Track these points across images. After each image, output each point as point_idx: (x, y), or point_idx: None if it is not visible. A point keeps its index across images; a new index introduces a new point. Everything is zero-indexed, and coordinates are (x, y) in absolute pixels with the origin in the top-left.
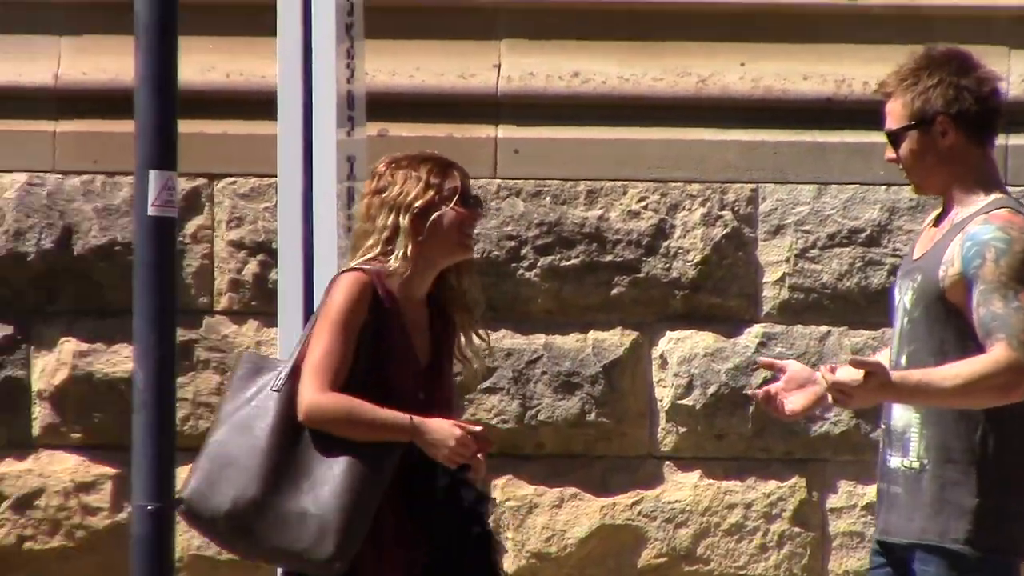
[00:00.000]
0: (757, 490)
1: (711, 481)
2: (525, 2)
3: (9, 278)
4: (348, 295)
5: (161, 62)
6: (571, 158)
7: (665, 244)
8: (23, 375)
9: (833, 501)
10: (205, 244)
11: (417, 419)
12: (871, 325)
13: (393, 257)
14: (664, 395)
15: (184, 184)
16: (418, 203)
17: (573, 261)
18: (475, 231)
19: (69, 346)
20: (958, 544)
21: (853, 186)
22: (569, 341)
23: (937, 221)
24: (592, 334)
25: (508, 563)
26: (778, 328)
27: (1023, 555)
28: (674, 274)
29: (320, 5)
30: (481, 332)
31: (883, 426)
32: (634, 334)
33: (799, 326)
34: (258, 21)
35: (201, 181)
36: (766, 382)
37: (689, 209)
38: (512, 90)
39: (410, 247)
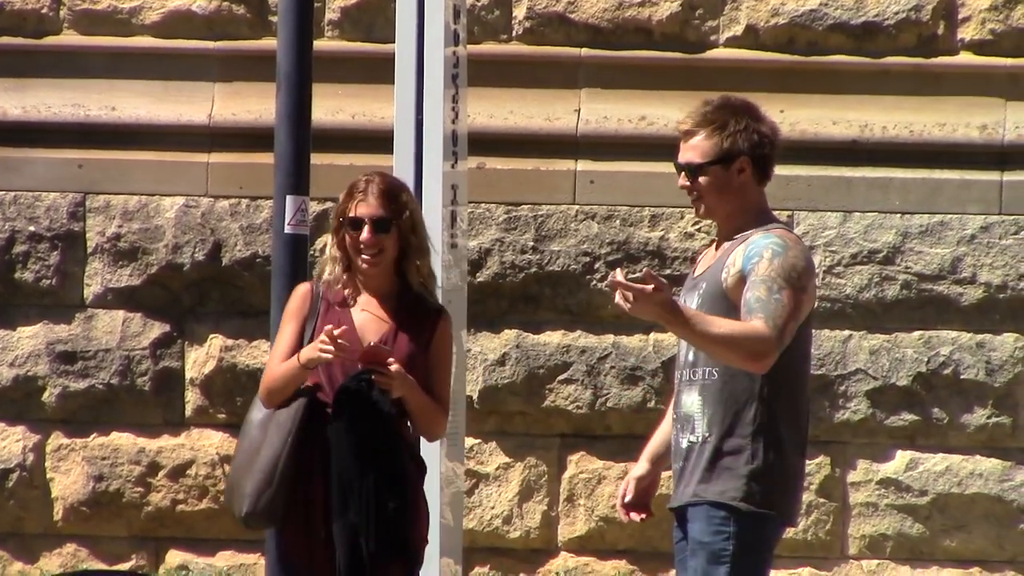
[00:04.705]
0: None
1: None
2: (601, 58)
3: (168, 284)
4: (290, 301)
5: (298, 105)
6: (637, 188)
7: None
8: (178, 365)
9: (852, 476)
10: None
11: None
12: (886, 330)
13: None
14: None
15: (315, 207)
16: (335, 226)
17: (638, 274)
18: (372, 249)
19: (217, 341)
20: (734, 501)
21: (872, 214)
22: (634, 341)
23: (717, 245)
24: (653, 335)
25: (580, 525)
26: None
27: (782, 514)
28: None
29: (431, 58)
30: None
31: (674, 416)
32: None
33: (826, 330)
34: (379, 71)
35: (330, 204)
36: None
37: None
38: (589, 131)
39: (338, 266)
